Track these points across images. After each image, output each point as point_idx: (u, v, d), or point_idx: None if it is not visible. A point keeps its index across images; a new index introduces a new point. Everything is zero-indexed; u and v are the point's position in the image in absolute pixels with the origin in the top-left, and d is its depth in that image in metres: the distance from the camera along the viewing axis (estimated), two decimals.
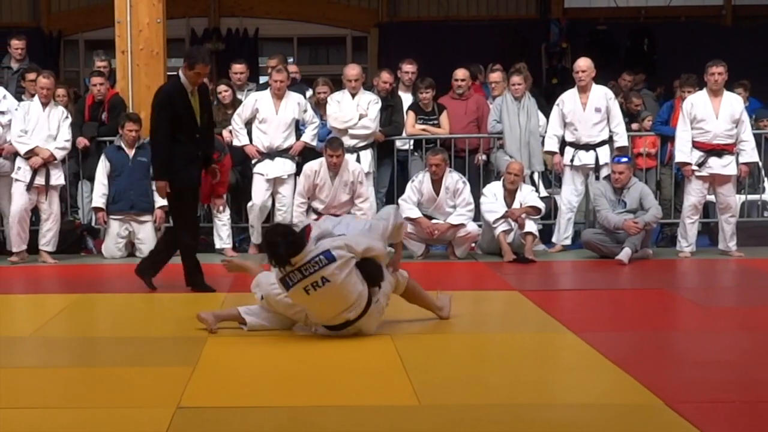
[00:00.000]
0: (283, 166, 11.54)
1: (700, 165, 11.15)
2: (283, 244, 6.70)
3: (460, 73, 12.34)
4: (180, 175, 8.88)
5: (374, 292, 6.97)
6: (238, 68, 12.76)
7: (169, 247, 9.29)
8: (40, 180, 11.13)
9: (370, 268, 6.93)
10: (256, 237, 11.59)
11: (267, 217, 11.70)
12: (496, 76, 12.46)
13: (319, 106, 12.04)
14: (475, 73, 13.18)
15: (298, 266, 6.72)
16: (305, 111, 11.62)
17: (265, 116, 11.51)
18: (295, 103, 11.57)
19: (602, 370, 6.19)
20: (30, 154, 11.09)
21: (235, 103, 11.87)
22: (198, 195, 9.20)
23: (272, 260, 6.79)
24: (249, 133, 11.57)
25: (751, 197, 12.73)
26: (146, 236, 11.42)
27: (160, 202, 11.39)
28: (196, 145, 8.95)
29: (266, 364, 6.52)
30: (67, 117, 11.36)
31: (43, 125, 11.16)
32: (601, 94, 11.60)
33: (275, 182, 11.53)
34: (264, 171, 11.51)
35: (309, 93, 12.58)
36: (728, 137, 11.13)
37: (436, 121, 12.07)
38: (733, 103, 11.24)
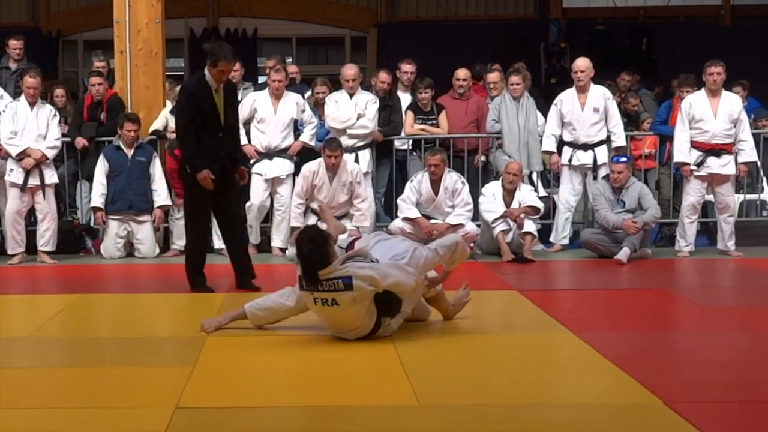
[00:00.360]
0: (282, 166, 11.53)
1: (699, 165, 11.15)
2: (312, 257, 6.65)
3: (461, 73, 12.34)
4: (198, 175, 8.82)
5: (385, 320, 6.95)
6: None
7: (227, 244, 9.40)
8: (33, 181, 11.12)
9: (387, 302, 6.85)
10: (254, 237, 11.60)
11: (266, 217, 11.70)
12: (494, 76, 12.47)
13: (318, 106, 12.04)
14: (480, 73, 13.19)
15: (319, 280, 6.69)
16: (303, 111, 11.62)
17: (263, 116, 11.51)
18: (293, 103, 11.57)
19: (601, 369, 6.19)
20: (22, 156, 11.08)
21: None
22: (210, 197, 8.98)
23: (302, 268, 6.74)
24: (247, 133, 11.56)
25: (749, 197, 12.74)
26: (145, 236, 11.42)
27: (159, 201, 11.40)
28: (218, 144, 8.86)
29: (265, 365, 6.52)
30: (55, 115, 11.34)
31: (32, 125, 11.14)
32: (600, 94, 11.61)
33: (273, 182, 11.54)
34: (262, 171, 11.51)
35: (308, 94, 12.58)
36: (727, 137, 11.14)
37: (434, 121, 12.08)
38: (732, 102, 11.24)
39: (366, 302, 6.77)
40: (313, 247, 6.67)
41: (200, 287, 8.99)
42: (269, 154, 11.52)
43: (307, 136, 11.61)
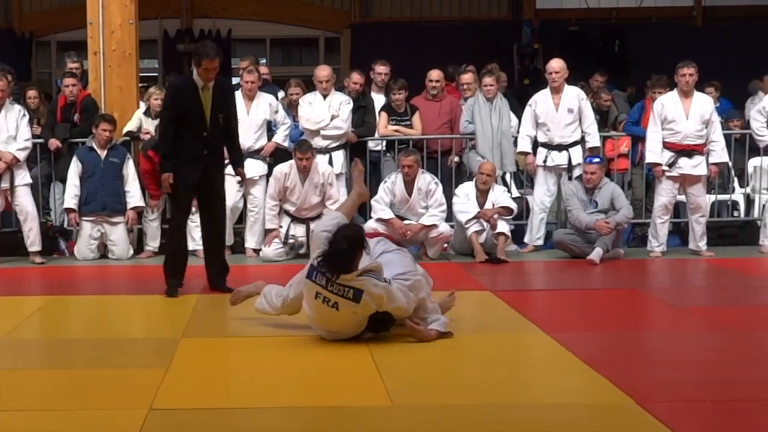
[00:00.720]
0: (255, 167, 11.51)
1: (671, 165, 11.20)
2: (342, 261, 6.65)
3: (435, 74, 12.37)
4: (177, 174, 8.78)
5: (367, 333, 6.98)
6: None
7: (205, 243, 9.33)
8: (5, 184, 11.07)
9: (381, 322, 6.89)
10: (227, 238, 11.58)
11: (239, 218, 11.69)
12: (468, 77, 12.49)
13: (292, 108, 12.05)
14: (453, 74, 13.22)
15: (332, 279, 6.69)
16: (276, 112, 11.61)
17: None
18: (266, 104, 11.57)
19: (574, 369, 6.23)
20: None
21: None
22: (191, 197, 8.98)
23: (324, 260, 6.71)
24: None
25: (721, 197, 12.81)
26: (118, 238, 11.39)
27: (133, 203, 11.37)
28: (202, 144, 8.78)
29: (239, 366, 6.54)
30: (24, 115, 11.25)
31: (1, 127, 11.08)
32: (574, 95, 11.65)
33: (247, 183, 11.51)
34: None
35: (281, 95, 12.59)
36: (698, 138, 11.19)
37: (408, 122, 12.10)
38: (704, 103, 11.30)
39: (363, 318, 6.81)
40: (348, 248, 6.66)
41: (171, 293, 8.83)
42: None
43: (281, 137, 11.61)
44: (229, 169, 11.36)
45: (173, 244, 9.09)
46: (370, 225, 11.13)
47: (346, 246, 6.66)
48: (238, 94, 11.57)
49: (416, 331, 6.90)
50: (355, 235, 6.81)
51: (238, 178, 11.35)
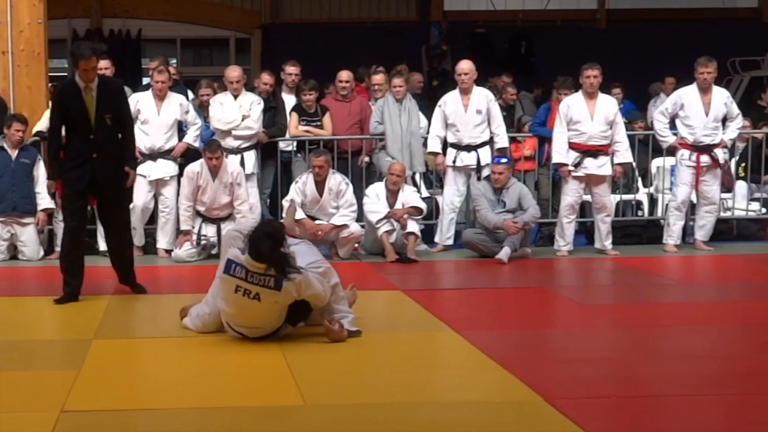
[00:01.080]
0: (165, 168, 11.46)
1: (577, 165, 11.31)
2: (274, 252, 6.66)
3: (344, 75, 12.41)
4: (65, 178, 8.66)
5: (286, 325, 7.01)
6: (102, 64, 12.39)
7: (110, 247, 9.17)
8: None
9: (298, 311, 6.92)
10: (138, 239, 11.52)
11: (150, 218, 11.63)
12: (379, 78, 12.56)
13: (203, 108, 12.02)
14: (363, 75, 13.28)
15: (252, 269, 6.71)
16: (187, 112, 11.57)
17: (146, 117, 11.42)
18: (177, 104, 11.51)
19: (484, 368, 6.30)
20: None
21: None
22: (86, 199, 8.79)
23: (250, 252, 6.70)
24: None
25: (625, 197, 12.99)
26: (28, 239, 11.26)
27: (43, 204, 11.26)
28: (89, 146, 8.56)
29: (151, 367, 6.53)
30: None
31: None
32: (482, 96, 11.75)
33: (157, 184, 11.46)
34: (145, 172, 11.40)
35: (191, 95, 12.55)
36: (603, 138, 11.33)
37: (319, 123, 12.14)
38: (608, 105, 11.45)
39: (284, 306, 6.83)
40: (272, 235, 6.69)
41: (61, 300, 8.63)
42: (152, 155, 11.45)
43: (191, 138, 11.57)
44: (138, 169, 11.36)
45: (64, 248, 8.87)
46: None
47: (270, 235, 6.70)
48: (149, 94, 11.55)
49: (331, 332, 6.94)
50: (277, 227, 6.94)
51: (151, 177, 11.38)
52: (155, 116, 11.39)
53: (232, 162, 11.36)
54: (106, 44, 18.86)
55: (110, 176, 8.70)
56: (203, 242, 11.13)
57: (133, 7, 19.63)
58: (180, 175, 11.41)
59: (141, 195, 11.40)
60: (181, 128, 11.63)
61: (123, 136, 8.85)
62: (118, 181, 8.82)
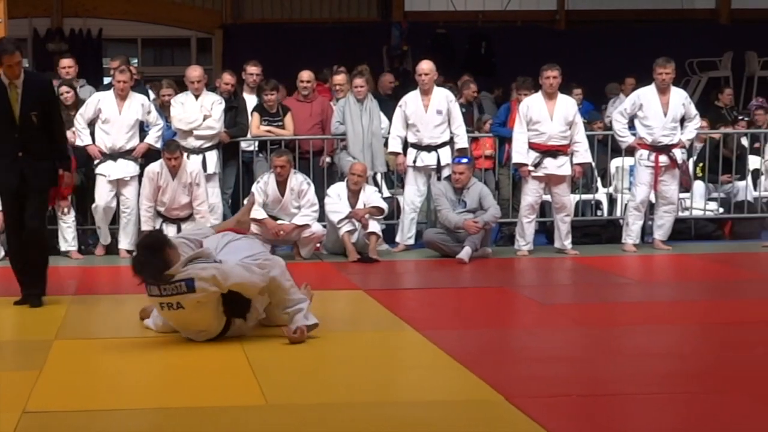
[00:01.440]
0: (126, 168, 11.42)
1: (536, 165, 11.40)
2: (148, 265, 6.62)
3: (305, 75, 12.42)
4: None
5: (235, 321, 6.97)
6: (65, 63, 12.47)
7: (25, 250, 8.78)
8: None
9: (235, 303, 6.86)
10: (103, 238, 11.52)
11: (113, 218, 11.58)
12: (340, 78, 12.58)
13: (164, 108, 11.99)
14: (327, 77, 13.30)
15: (162, 285, 6.68)
16: (149, 112, 11.53)
17: (107, 117, 11.38)
18: (138, 104, 11.48)
19: (445, 367, 6.33)
20: None
21: (78, 104, 11.70)
22: (17, 200, 8.45)
23: (137, 275, 6.69)
24: (92, 134, 11.44)
25: (585, 197, 13.07)
26: None
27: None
28: (14, 146, 8.28)
29: (113, 367, 6.48)
30: None
31: None
32: (443, 97, 11.79)
33: (119, 184, 11.43)
34: (106, 172, 11.37)
35: (152, 95, 12.52)
36: (563, 138, 11.40)
37: (280, 123, 12.14)
38: (567, 105, 11.52)
39: (212, 304, 6.77)
40: (150, 253, 6.64)
41: (19, 301, 8.51)
42: (113, 155, 11.41)
43: (153, 138, 11.53)
44: (99, 169, 11.33)
45: (10, 250, 8.74)
46: None
47: (147, 252, 6.66)
48: (110, 94, 11.49)
49: (292, 339, 6.91)
50: (152, 240, 6.88)
51: (111, 177, 11.33)
52: (117, 116, 11.35)
53: (191, 162, 11.35)
54: (67, 44, 18.80)
55: (38, 174, 8.41)
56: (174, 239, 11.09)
57: (93, 6, 19.51)
58: (141, 175, 11.38)
59: (102, 195, 11.37)
60: (143, 128, 11.60)
61: (52, 134, 8.49)
62: (46, 181, 8.51)
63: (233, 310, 6.90)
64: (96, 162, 11.39)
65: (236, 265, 6.83)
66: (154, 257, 6.62)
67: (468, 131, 12.20)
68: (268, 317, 7.21)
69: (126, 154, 11.41)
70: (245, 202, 11.14)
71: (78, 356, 6.72)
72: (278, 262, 7.12)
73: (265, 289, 6.93)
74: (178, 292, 6.64)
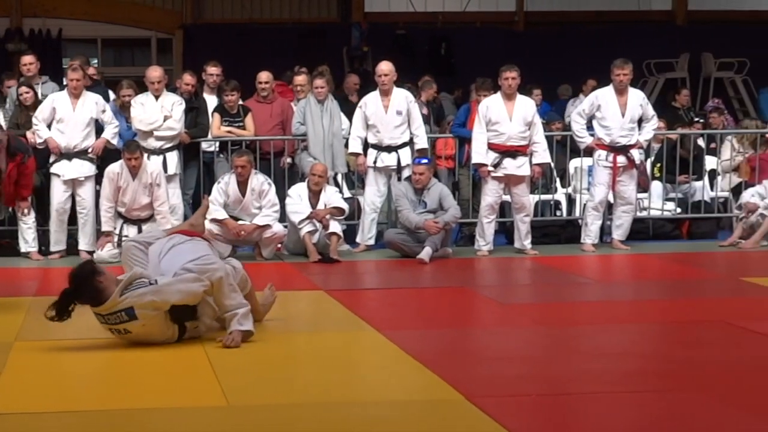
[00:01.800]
0: (81, 168, 11.34)
1: (496, 166, 11.46)
2: (84, 295, 6.60)
3: (264, 76, 12.43)
4: None
5: (191, 323, 6.96)
6: (26, 60, 12.40)
7: None
8: None
9: (181, 311, 6.84)
10: (54, 243, 11.42)
11: (70, 218, 11.53)
12: (301, 78, 12.60)
13: (124, 109, 11.95)
14: (290, 78, 13.30)
15: (102, 312, 6.67)
16: (104, 111, 11.47)
17: (62, 116, 11.30)
18: (92, 102, 11.40)
19: (406, 367, 6.35)
20: None
21: (38, 104, 11.65)
22: None
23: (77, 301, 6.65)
24: None
25: (544, 197, 13.15)
26: None
27: None
28: None
29: (75, 369, 6.47)
30: None
31: None
32: (402, 98, 11.83)
33: (74, 184, 11.38)
34: (60, 172, 11.32)
35: (112, 96, 12.48)
36: (522, 139, 11.45)
37: (241, 123, 12.14)
38: (526, 106, 11.58)
39: (158, 321, 6.76)
40: (80, 287, 6.60)
41: None
42: (68, 154, 11.35)
43: (110, 134, 11.44)
44: (54, 169, 11.27)
45: None
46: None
47: (78, 286, 6.61)
48: (64, 93, 11.45)
49: (224, 344, 6.84)
50: (81, 272, 6.73)
51: (65, 177, 11.26)
52: (71, 114, 11.29)
53: (151, 163, 11.33)
54: (26, 44, 18.67)
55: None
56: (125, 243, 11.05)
57: (53, 6, 19.41)
58: (98, 175, 11.34)
59: (57, 195, 11.31)
60: (100, 131, 11.52)
61: None
62: None
63: (180, 317, 6.88)
64: (51, 160, 11.31)
65: (173, 281, 6.79)
66: (85, 291, 6.60)
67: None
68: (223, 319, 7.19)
69: (81, 153, 11.34)
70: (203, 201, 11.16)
71: (39, 358, 6.67)
72: (221, 266, 7.08)
73: (210, 291, 6.90)
74: (121, 321, 6.65)
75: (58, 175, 11.31)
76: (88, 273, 6.69)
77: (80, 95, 11.36)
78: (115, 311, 6.59)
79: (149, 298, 6.63)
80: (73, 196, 11.40)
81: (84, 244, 11.38)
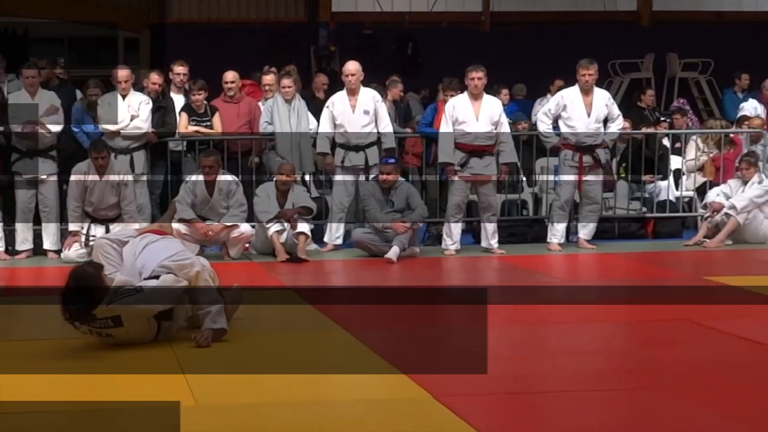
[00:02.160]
0: (43, 166, 11.33)
1: (463, 165, 11.51)
2: (80, 300, 6.58)
3: (230, 76, 12.42)
4: None
5: (164, 323, 6.97)
6: None
7: None
8: None
9: (159, 315, 6.87)
10: (20, 242, 11.37)
11: (34, 218, 11.47)
12: (269, 78, 12.60)
13: (91, 108, 11.91)
14: (259, 78, 13.30)
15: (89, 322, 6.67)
16: (58, 109, 11.43)
17: None
18: (47, 100, 11.37)
19: (374, 366, 6.38)
20: None
21: (4, 104, 11.58)
22: None
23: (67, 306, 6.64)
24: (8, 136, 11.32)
25: (510, 196, 13.18)
26: None
27: None
28: None
29: (41, 369, 6.44)
30: None
31: None
32: (369, 97, 11.84)
33: (37, 183, 11.33)
34: (22, 170, 11.28)
35: (79, 95, 12.44)
36: (488, 138, 11.49)
37: (208, 123, 12.13)
38: (493, 106, 11.61)
39: (141, 326, 6.80)
40: (81, 288, 6.59)
41: None
42: (29, 152, 11.30)
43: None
44: (15, 167, 11.21)
45: None
46: (172, 225, 11.10)
47: (79, 287, 6.60)
48: (22, 92, 11.42)
49: (196, 343, 6.87)
50: (83, 272, 6.71)
51: (27, 175, 11.21)
52: None
53: (118, 162, 11.30)
54: None
55: None
56: (92, 243, 11.02)
57: (15, 5, 19.28)
58: (60, 173, 11.29)
59: (20, 194, 11.27)
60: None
61: None
62: None
63: (159, 317, 6.91)
64: (12, 159, 11.26)
65: (157, 287, 6.81)
66: (84, 292, 6.58)
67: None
68: (194, 317, 7.20)
69: (42, 152, 11.30)
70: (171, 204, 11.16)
71: (4, 358, 6.65)
72: (196, 260, 7.14)
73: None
74: (105, 326, 6.67)
75: (20, 174, 11.25)
76: (92, 277, 6.67)
77: (36, 93, 11.34)
78: (103, 317, 6.61)
79: (137, 307, 6.67)
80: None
81: (48, 243, 11.33)
